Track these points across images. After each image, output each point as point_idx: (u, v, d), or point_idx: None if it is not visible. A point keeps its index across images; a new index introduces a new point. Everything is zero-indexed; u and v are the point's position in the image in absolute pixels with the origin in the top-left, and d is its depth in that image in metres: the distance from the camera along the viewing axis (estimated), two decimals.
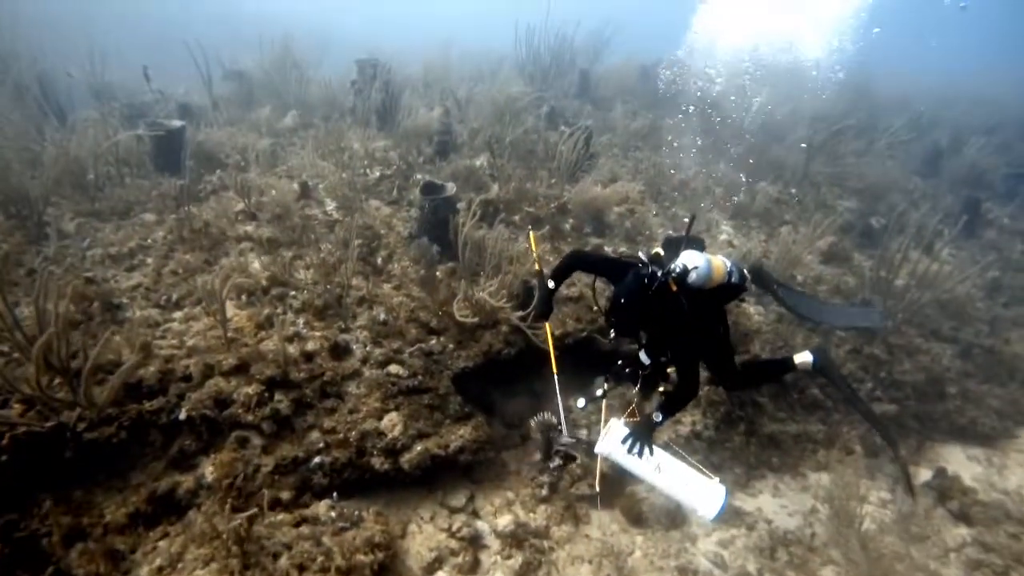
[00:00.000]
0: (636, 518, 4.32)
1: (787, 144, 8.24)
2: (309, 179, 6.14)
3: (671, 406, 3.55)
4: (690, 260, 3.29)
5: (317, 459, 3.83)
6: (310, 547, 3.29)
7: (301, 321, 4.48)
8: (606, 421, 3.84)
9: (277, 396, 3.89)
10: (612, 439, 3.62)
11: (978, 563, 4.29)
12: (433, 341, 4.62)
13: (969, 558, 4.33)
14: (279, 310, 4.51)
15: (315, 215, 5.71)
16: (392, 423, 4.10)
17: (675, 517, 4.35)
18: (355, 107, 7.67)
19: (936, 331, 5.90)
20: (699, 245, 3.74)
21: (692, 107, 8.35)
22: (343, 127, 7.64)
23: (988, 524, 4.43)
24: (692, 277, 3.23)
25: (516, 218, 5.89)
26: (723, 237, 6.45)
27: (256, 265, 4.87)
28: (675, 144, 8.44)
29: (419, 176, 6.29)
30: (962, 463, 5.26)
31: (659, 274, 3.19)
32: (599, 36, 11.79)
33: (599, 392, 3.80)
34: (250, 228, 5.25)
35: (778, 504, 4.70)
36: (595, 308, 4.59)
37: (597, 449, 3.68)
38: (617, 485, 4.53)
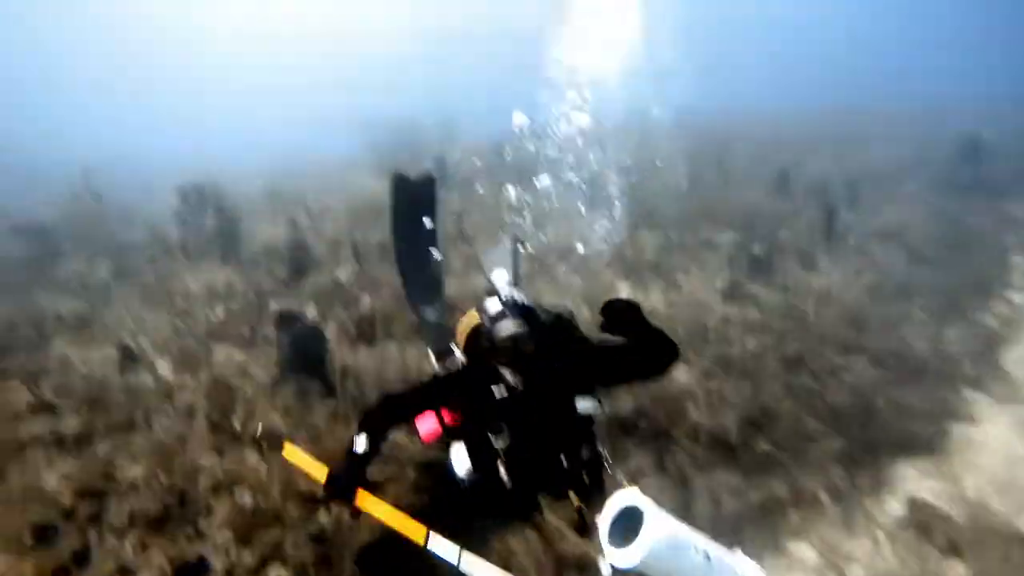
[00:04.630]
0: None
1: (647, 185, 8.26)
2: (132, 337, 4.93)
3: None
4: None
5: None
6: None
7: (128, 544, 3.25)
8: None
9: None
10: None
11: None
12: (323, 516, 3.58)
13: None
14: (92, 536, 3.26)
15: (144, 383, 4.51)
16: None
17: None
18: (184, 241, 6.56)
19: (845, 344, 5.85)
20: None
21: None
22: (176, 267, 6.46)
23: (976, 549, 4.11)
24: None
25: (400, 329, 5.09)
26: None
27: (56, 478, 3.56)
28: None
29: (274, 305, 5.32)
30: (918, 482, 5.01)
31: None
32: (447, 123, 11.70)
33: None
34: (44, 425, 3.94)
35: None
36: None
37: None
38: None
